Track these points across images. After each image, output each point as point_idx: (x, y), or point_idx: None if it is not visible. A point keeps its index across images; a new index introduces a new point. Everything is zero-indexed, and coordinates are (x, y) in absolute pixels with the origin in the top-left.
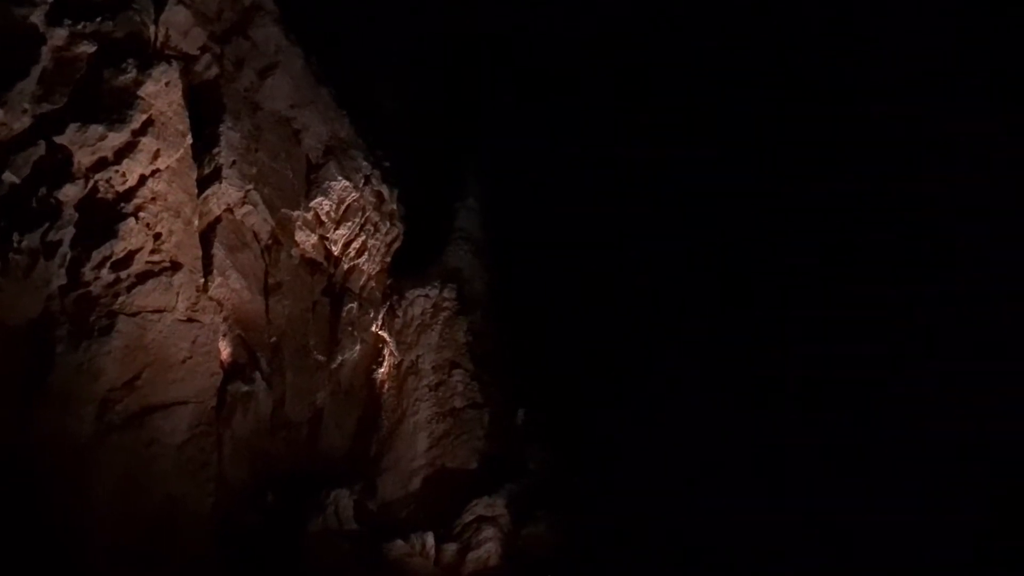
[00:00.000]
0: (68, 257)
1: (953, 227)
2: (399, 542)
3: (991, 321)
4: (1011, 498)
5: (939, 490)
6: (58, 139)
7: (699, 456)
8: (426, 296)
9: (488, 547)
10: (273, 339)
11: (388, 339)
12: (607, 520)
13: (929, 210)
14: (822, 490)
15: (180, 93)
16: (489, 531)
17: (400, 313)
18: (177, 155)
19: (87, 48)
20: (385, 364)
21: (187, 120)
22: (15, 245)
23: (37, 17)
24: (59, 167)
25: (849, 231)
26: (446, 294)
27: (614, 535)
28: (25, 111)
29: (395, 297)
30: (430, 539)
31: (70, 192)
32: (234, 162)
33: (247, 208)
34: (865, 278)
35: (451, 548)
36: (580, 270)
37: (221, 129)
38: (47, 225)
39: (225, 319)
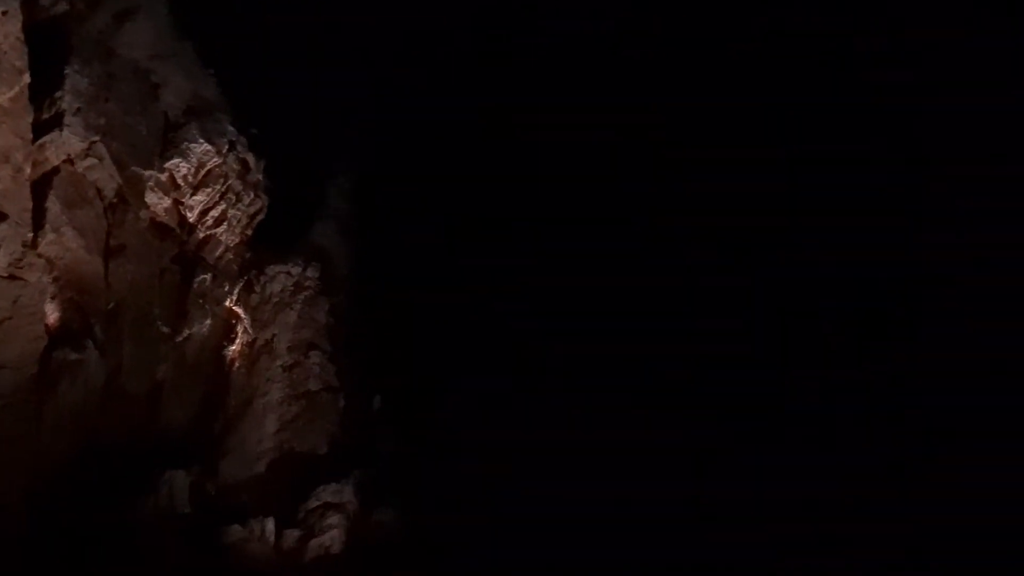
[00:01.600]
0: None
1: None
2: (236, 527)
3: None
4: None
5: None
6: None
7: (547, 445)
8: (288, 273)
9: (332, 534)
10: (111, 305)
11: (243, 315)
12: (458, 509)
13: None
14: (657, 479)
15: (19, 25)
16: (334, 518)
17: (258, 289)
18: (11, 94)
19: None
20: (237, 341)
21: (26, 57)
22: None
23: None
24: None
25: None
26: (309, 273)
27: (463, 524)
28: None
29: (254, 272)
30: (270, 524)
31: None
32: (79, 110)
33: (91, 161)
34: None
35: (293, 534)
36: (449, 259)
37: (67, 72)
38: None
39: (56, 280)
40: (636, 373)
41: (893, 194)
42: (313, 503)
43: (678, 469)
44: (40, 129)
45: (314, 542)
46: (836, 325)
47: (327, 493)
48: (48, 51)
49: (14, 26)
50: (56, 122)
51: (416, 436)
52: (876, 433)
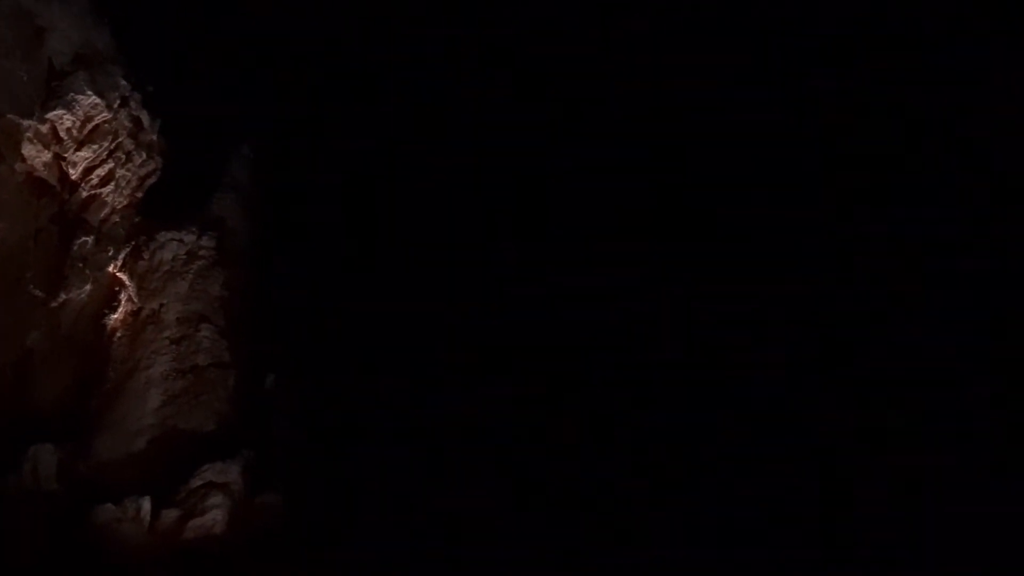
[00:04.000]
0: None
1: None
2: (109, 506)
3: None
4: None
5: None
6: None
7: (444, 437)
8: (180, 241)
9: (214, 514)
10: None
11: (128, 283)
12: (346, 491)
13: None
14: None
15: None
16: (217, 498)
17: (147, 256)
18: None
19: None
20: (120, 310)
21: None
22: None
23: None
24: None
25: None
26: (204, 242)
27: (351, 512)
28: None
29: (143, 237)
30: (146, 504)
31: None
32: None
33: None
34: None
35: (171, 514)
36: (353, 234)
37: None
38: None
39: None
40: (547, 365)
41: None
42: (196, 483)
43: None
44: None
45: (194, 522)
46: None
47: (211, 472)
48: None
49: None
50: None
51: (309, 419)
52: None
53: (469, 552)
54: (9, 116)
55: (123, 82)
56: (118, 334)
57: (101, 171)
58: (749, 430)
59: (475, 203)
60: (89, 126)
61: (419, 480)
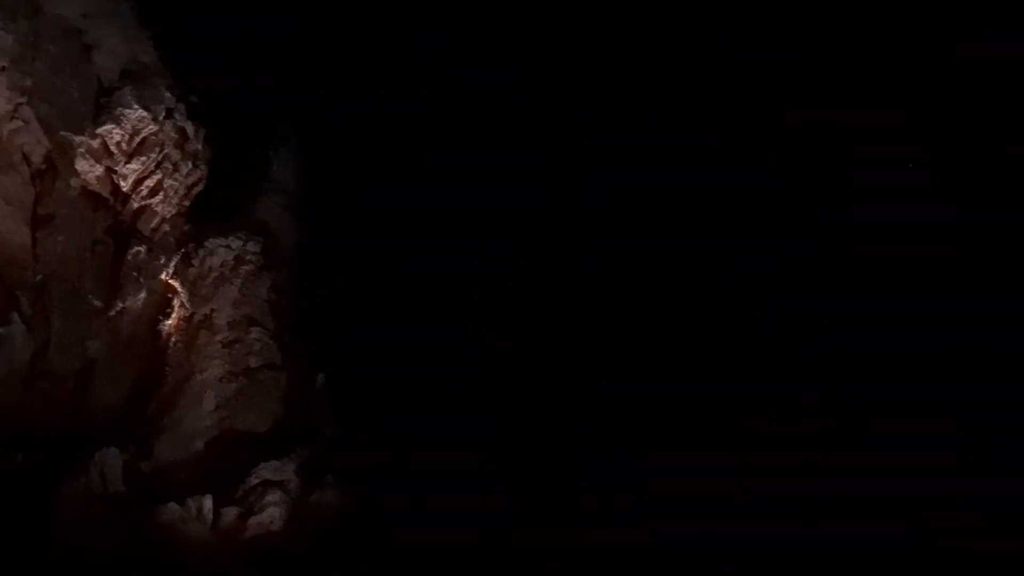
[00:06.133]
0: None
1: None
2: (173, 505)
3: None
4: None
5: None
6: None
7: (492, 428)
8: (228, 247)
9: (272, 512)
10: (39, 278)
11: (180, 289)
12: (401, 488)
13: None
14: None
15: None
16: (275, 495)
17: (196, 262)
18: None
19: None
20: (174, 316)
21: None
22: None
23: None
24: None
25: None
26: (251, 247)
27: (407, 504)
28: None
29: (192, 244)
30: (208, 503)
31: None
32: (3, 69)
33: (16, 124)
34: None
35: (231, 512)
36: (395, 234)
37: None
38: None
39: None
40: (582, 365)
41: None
42: (253, 481)
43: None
44: None
45: (253, 520)
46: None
47: (267, 471)
48: None
49: None
50: None
51: (360, 417)
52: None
53: (522, 546)
54: (62, 133)
55: (167, 94)
56: (173, 339)
57: (150, 182)
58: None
59: (516, 199)
60: (137, 139)
61: (472, 476)
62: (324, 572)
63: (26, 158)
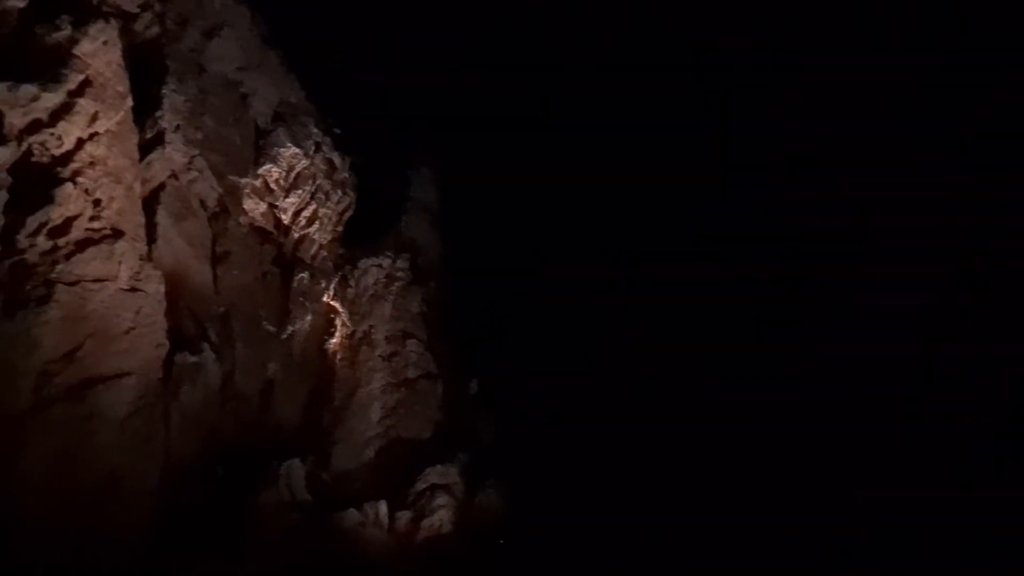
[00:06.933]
0: (1, 223)
1: None
2: (352, 511)
3: None
4: None
5: None
6: None
7: (642, 425)
8: (379, 266)
9: (441, 515)
10: (222, 309)
11: (340, 309)
12: (556, 489)
13: None
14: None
15: (119, 53)
16: (442, 499)
17: (353, 283)
18: (117, 118)
19: (17, 3)
20: (337, 334)
21: (127, 81)
22: None
23: None
24: None
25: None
26: (400, 264)
27: (563, 505)
28: None
29: (347, 267)
30: (383, 508)
31: (2, 155)
32: (178, 126)
33: (193, 174)
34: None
35: (405, 516)
36: (533, 242)
37: (164, 91)
38: None
39: (171, 289)
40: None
41: None
42: (421, 485)
43: None
44: (145, 148)
45: (425, 523)
46: None
47: (434, 475)
48: (144, 73)
49: (115, 54)
50: (159, 140)
51: (513, 419)
52: None
53: (680, 540)
54: (230, 177)
55: (315, 130)
56: (338, 356)
57: (307, 212)
58: None
59: (644, 203)
60: (292, 174)
61: (626, 472)
62: (492, 573)
63: (203, 203)
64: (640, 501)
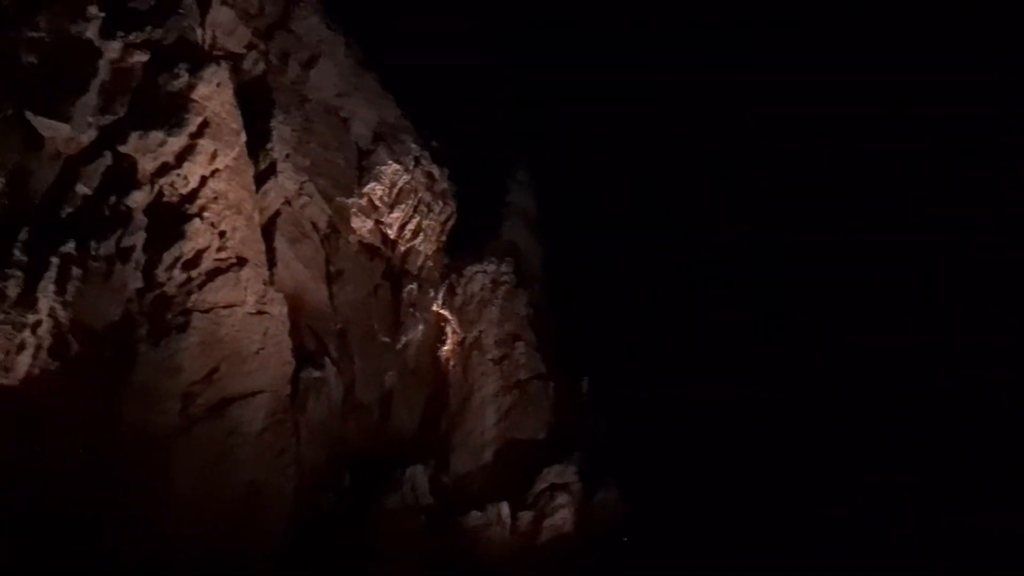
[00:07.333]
0: (142, 260)
1: None
2: (475, 513)
3: None
4: None
5: None
6: (122, 148)
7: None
8: (484, 272)
9: (562, 514)
10: (339, 325)
11: (450, 317)
12: (671, 487)
13: None
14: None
15: (231, 92)
16: (563, 498)
17: (460, 290)
18: (234, 153)
19: (140, 57)
20: (449, 341)
21: (240, 118)
22: (92, 253)
23: (91, 32)
24: (125, 175)
25: None
26: (504, 268)
27: (679, 502)
28: (89, 124)
29: (453, 275)
30: (505, 508)
31: (138, 198)
32: (288, 155)
33: (304, 199)
34: None
35: (527, 516)
36: (630, 244)
37: (272, 124)
38: (120, 231)
39: (292, 309)
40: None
41: None
42: (540, 485)
43: None
44: (259, 178)
45: (547, 522)
46: None
47: (552, 475)
48: (253, 107)
49: (228, 95)
50: (271, 170)
51: (627, 416)
52: None
53: (784, 535)
54: (338, 199)
55: (413, 145)
56: (451, 363)
57: (411, 225)
58: None
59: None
60: (395, 190)
61: (740, 469)
62: (613, 571)
63: (315, 226)
64: (754, 500)
